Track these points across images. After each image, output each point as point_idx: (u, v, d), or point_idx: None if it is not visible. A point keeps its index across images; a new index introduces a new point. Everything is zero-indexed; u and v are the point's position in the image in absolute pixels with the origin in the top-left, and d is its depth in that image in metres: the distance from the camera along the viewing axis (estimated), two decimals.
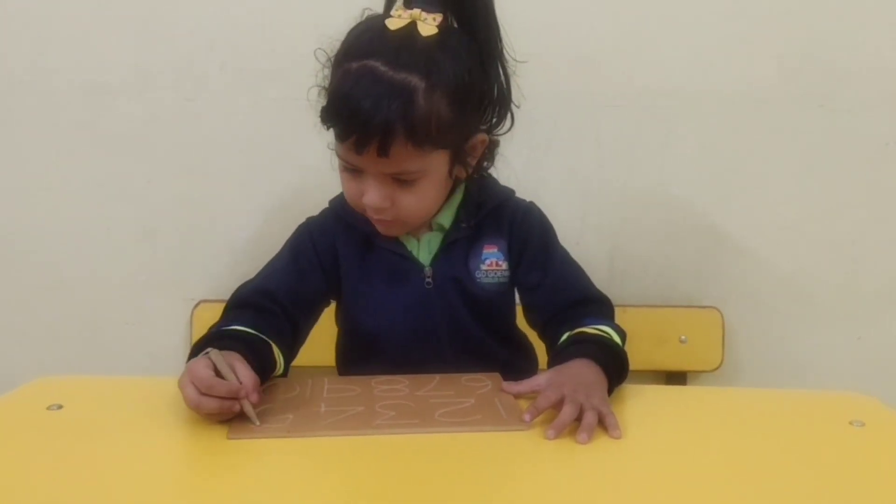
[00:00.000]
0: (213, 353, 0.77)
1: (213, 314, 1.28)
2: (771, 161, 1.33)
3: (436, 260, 0.97)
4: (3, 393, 0.83)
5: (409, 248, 0.97)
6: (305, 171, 1.30)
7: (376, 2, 0.93)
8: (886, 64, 1.29)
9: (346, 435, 0.74)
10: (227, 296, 1.30)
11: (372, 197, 0.86)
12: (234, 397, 0.74)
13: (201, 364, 0.76)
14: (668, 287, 1.37)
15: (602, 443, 0.74)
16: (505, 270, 0.98)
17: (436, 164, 0.87)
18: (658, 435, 0.77)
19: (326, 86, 0.88)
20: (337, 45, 0.88)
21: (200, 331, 1.28)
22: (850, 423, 0.78)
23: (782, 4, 1.28)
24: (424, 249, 0.97)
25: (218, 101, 1.28)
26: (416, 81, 0.81)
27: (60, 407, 0.79)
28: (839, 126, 1.31)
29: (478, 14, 0.88)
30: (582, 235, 1.33)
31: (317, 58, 0.91)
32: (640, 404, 0.84)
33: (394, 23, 0.84)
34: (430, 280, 0.96)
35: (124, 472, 0.67)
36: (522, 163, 1.26)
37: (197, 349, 0.82)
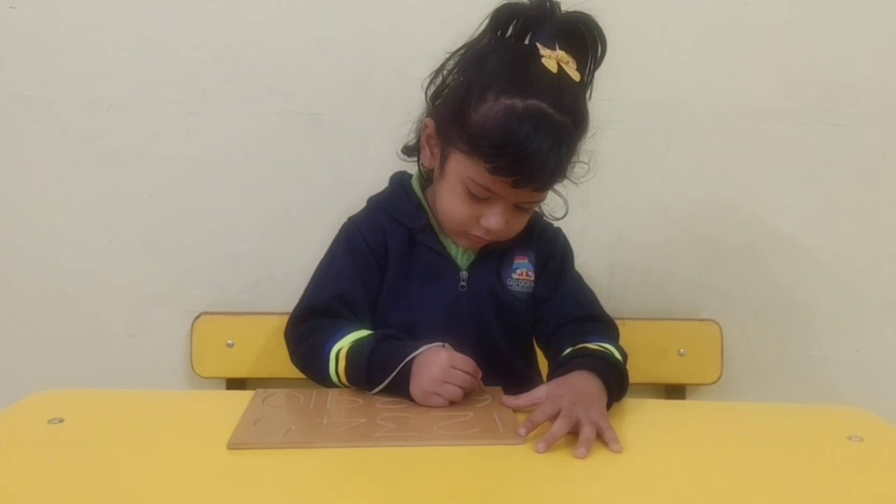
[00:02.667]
0: (447, 345, 0.88)
1: (214, 327, 1.31)
2: (770, 175, 1.33)
3: (472, 266, 1.00)
4: (5, 406, 0.84)
5: (449, 250, 1.00)
6: (308, 184, 1.31)
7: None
8: (885, 78, 1.30)
9: (346, 447, 0.74)
10: (227, 308, 1.33)
11: (497, 222, 0.91)
12: (477, 376, 0.86)
13: (457, 354, 0.87)
14: (667, 300, 1.37)
15: (600, 457, 0.74)
16: (532, 281, 1.03)
17: None
18: (657, 449, 0.78)
19: (455, 112, 0.89)
20: (453, 56, 0.93)
21: (201, 343, 1.30)
22: (849, 437, 0.79)
23: (781, 19, 1.29)
24: (463, 254, 1.01)
25: (221, 114, 1.29)
26: (571, 126, 0.86)
27: (61, 421, 0.79)
28: (837, 140, 1.32)
29: (596, 66, 0.94)
30: (581, 248, 1.32)
31: (423, 88, 0.96)
32: (639, 418, 0.85)
33: (551, 64, 0.87)
34: (464, 284, 0.99)
35: (125, 485, 0.67)
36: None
37: (366, 372, 0.88)
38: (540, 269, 1.03)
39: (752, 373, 1.38)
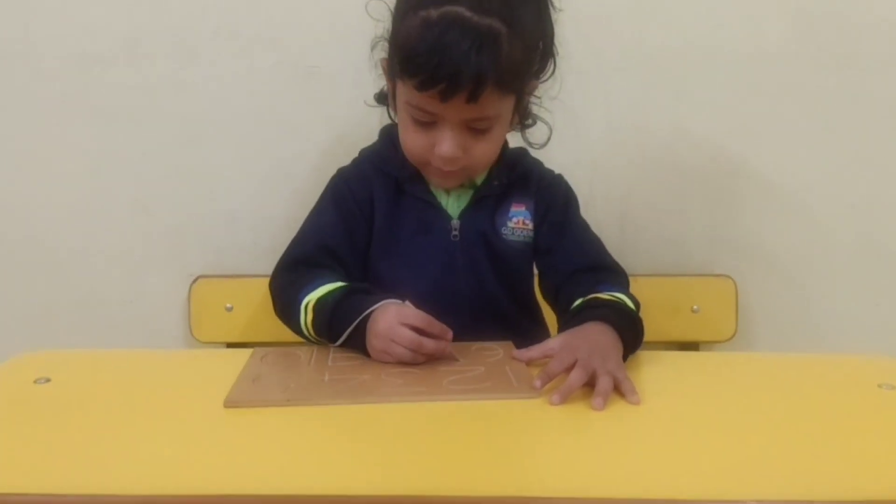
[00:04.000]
0: (408, 302, 0.82)
1: (212, 289, 1.27)
2: (785, 122, 1.28)
3: (464, 213, 0.97)
4: None
5: (439, 198, 0.97)
6: (305, 140, 1.26)
7: None
8: None
9: (350, 403, 0.71)
10: (227, 270, 1.29)
11: (449, 146, 0.86)
12: (445, 338, 0.80)
13: (407, 307, 0.81)
14: (680, 255, 1.33)
15: (617, 409, 0.70)
16: (530, 230, 0.99)
17: (506, 109, 0.89)
18: (677, 401, 0.74)
19: (389, 36, 0.88)
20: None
21: (199, 307, 1.27)
22: (879, 385, 0.75)
23: None
24: (454, 203, 0.97)
25: (212, 68, 1.23)
26: (499, 26, 0.81)
27: (48, 380, 0.75)
28: (856, 85, 1.26)
29: None
30: (591, 203, 1.28)
31: (369, 13, 0.91)
32: (657, 370, 0.81)
33: None
34: (456, 233, 0.96)
35: (115, 444, 0.63)
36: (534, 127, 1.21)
37: (329, 326, 0.84)
38: (541, 218, 0.99)
39: (767, 329, 1.34)
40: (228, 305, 1.25)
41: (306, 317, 0.88)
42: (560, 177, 1.05)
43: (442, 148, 0.87)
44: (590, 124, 1.27)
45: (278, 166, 1.27)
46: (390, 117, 1.00)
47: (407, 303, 0.83)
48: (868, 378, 0.77)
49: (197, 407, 0.70)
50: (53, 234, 1.28)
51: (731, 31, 1.24)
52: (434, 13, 0.81)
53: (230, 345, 1.26)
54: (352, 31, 1.23)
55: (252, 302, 1.24)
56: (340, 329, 0.84)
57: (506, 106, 0.88)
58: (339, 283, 0.89)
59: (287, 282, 0.92)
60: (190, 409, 0.70)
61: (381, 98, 0.99)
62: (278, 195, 1.27)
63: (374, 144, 1.02)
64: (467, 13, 0.80)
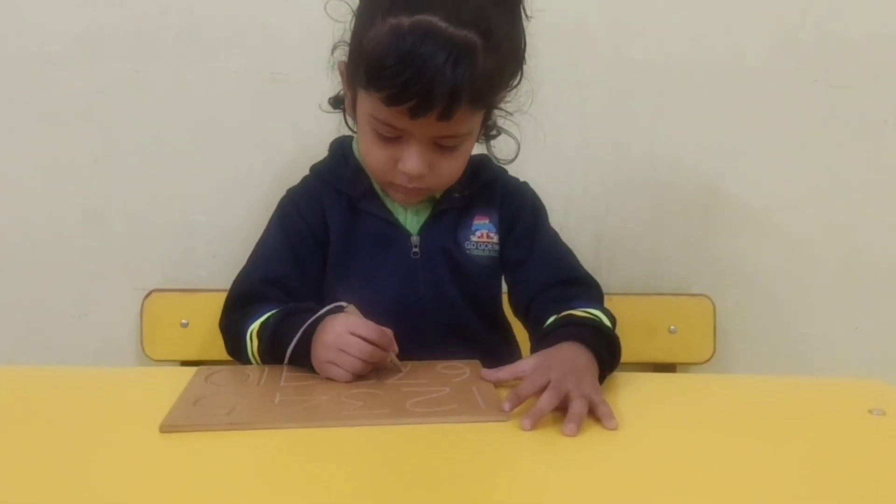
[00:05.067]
0: (352, 308, 0.77)
1: (165, 304, 1.20)
2: (764, 139, 1.25)
3: (424, 229, 0.91)
4: None
5: (397, 215, 0.91)
6: (268, 149, 1.20)
7: None
8: (886, 37, 1.23)
9: (302, 427, 0.65)
10: (181, 284, 1.22)
11: (413, 164, 0.81)
12: (390, 348, 0.76)
13: (354, 317, 0.76)
14: (656, 274, 1.29)
15: (591, 435, 0.65)
16: (496, 244, 0.93)
17: (476, 125, 0.84)
18: (657, 427, 0.69)
19: (351, 41, 0.82)
20: None
21: (152, 322, 1.20)
22: (870, 411, 0.71)
23: None
24: (412, 218, 0.91)
25: (172, 72, 1.18)
26: (476, 40, 0.75)
27: None
28: (835, 102, 1.24)
29: None
30: (565, 220, 1.24)
31: (328, 14, 0.85)
32: (633, 393, 0.76)
33: None
34: (416, 250, 0.90)
35: (42, 469, 0.57)
36: (501, 140, 1.17)
37: (272, 347, 0.80)
38: (507, 231, 0.93)
39: (746, 350, 1.30)
40: (184, 321, 1.19)
41: (252, 346, 0.82)
42: (525, 185, 0.99)
43: (407, 165, 0.81)
44: (565, 139, 1.24)
45: (240, 176, 1.21)
46: (347, 125, 0.93)
47: (351, 307, 0.78)
48: (858, 403, 0.72)
49: (133, 430, 0.63)
50: None
51: (711, 45, 1.22)
52: (405, 21, 0.74)
53: (185, 363, 1.19)
54: (319, 38, 1.17)
55: (209, 318, 1.16)
56: (284, 345, 0.78)
57: (477, 121, 0.84)
58: (286, 307, 0.84)
59: (233, 320, 0.87)
60: (125, 433, 0.63)
61: (337, 103, 0.93)
62: (239, 206, 1.21)
63: (325, 160, 0.96)
64: (442, 24, 0.74)
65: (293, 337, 0.77)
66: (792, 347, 1.31)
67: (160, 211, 1.21)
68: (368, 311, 0.89)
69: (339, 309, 0.79)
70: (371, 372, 0.76)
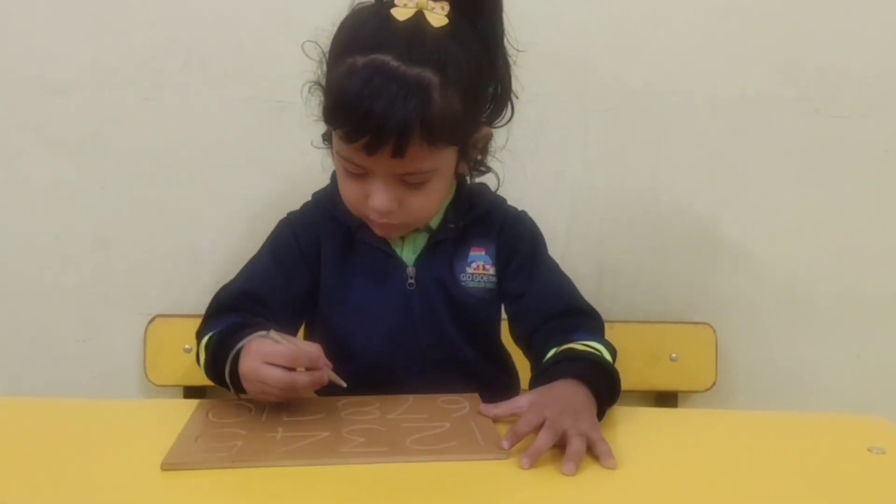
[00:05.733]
0: (273, 332, 0.73)
1: (169, 330, 1.21)
2: (766, 167, 1.26)
3: (420, 260, 0.91)
4: None
5: (394, 246, 0.91)
6: (274, 176, 1.21)
7: None
8: (887, 67, 1.23)
9: (304, 465, 0.65)
10: (185, 310, 1.23)
11: (380, 200, 0.81)
12: (318, 367, 0.72)
13: (267, 343, 0.73)
14: (658, 301, 1.29)
15: (590, 473, 0.65)
16: (492, 276, 0.93)
17: (445, 162, 0.83)
18: (656, 464, 0.69)
19: (322, 82, 0.83)
20: (329, 37, 0.82)
21: (156, 348, 1.21)
22: (869, 449, 0.71)
23: (778, 4, 1.21)
24: (409, 249, 0.91)
25: (179, 100, 1.19)
26: (430, 77, 0.75)
27: None
28: (836, 132, 1.25)
29: (484, 1, 0.82)
30: (568, 245, 1.25)
31: (305, 52, 0.85)
32: (632, 429, 0.76)
33: (400, 13, 0.77)
34: (412, 281, 0.90)
35: None
36: (505, 167, 1.18)
37: (215, 357, 0.79)
38: (505, 262, 0.93)
39: (747, 379, 1.30)
40: (187, 347, 1.19)
41: (202, 357, 0.83)
42: (523, 214, 0.98)
43: (374, 201, 0.81)
44: (568, 167, 1.24)
45: (245, 202, 1.22)
46: (334, 161, 0.93)
47: (271, 333, 0.74)
48: (857, 441, 0.72)
49: (134, 467, 0.64)
50: (5, 268, 1.22)
51: (713, 75, 1.23)
52: (360, 60, 0.75)
53: (188, 389, 1.20)
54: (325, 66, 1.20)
55: None
56: (219, 370, 0.78)
57: (444, 158, 0.82)
58: (234, 320, 0.83)
59: (200, 328, 0.87)
60: (127, 470, 0.64)
61: (329, 136, 0.93)
62: (244, 233, 1.22)
63: (327, 187, 0.96)
64: (394, 62, 0.74)
65: (225, 363, 0.77)
66: (793, 375, 1.31)
67: (166, 237, 1.22)
68: (364, 342, 0.90)
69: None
70: (318, 389, 0.75)
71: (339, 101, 0.76)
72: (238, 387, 0.77)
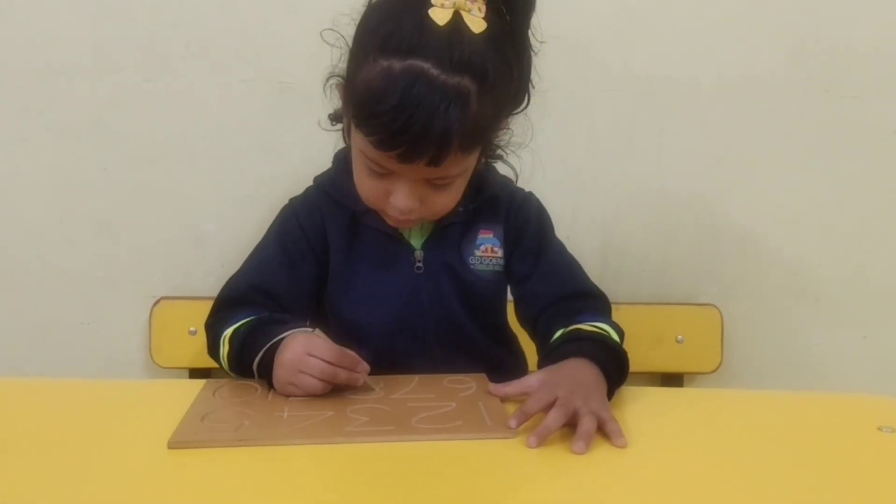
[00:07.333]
0: (318, 331, 0.77)
1: (174, 312, 1.21)
2: (773, 150, 1.25)
3: (427, 244, 0.90)
4: None
5: (401, 230, 0.90)
6: (277, 159, 1.21)
7: None
8: (894, 47, 1.22)
9: (310, 443, 0.65)
10: (190, 293, 1.23)
11: (403, 200, 0.79)
12: (358, 370, 0.75)
13: (315, 338, 0.76)
14: (664, 284, 1.29)
15: (600, 453, 0.65)
16: (500, 258, 0.92)
17: (472, 162, 0.82)
18: (665, 444, 0.69)
19: (346, 75, 0.79)
20: (353, 24, 0.79)
21: (161, 330, 1.20)
22: (879, 428, 0.70)
23: None
24: (416, 232, 0.91)
25: (182, 83, 1.19)
26: (469, 85, 0.73)
27: None
28: (845, 113, 1.24)
29: (525, 6, 0.79)
30: (573, 229, 1.25)
31: (324, 39, 0.82)
32: (641, 408, 0.76)
33: (439, 15, 0.73)
34: (420, 265, 0.90)
35: (50, 485, 0.57)
36: (510, 151, 1.17)
37: (240, 355, 0.80)
38: (512, 245, 0.92)
39: (753, 361, 1.30)
40: (192, 329, 1.19)
41: (223, 350, 0.83)
42: (530, 195, 0.97)
43: (397, 201, 0.79)
44: (573, 149, 1.24)
45: (249, 185, 1.22)
46: (345, 140, 0.91)
47: (317, 331, 0.78)
48: (867, 420, 0.72)
49: (141, 446, 0.64)
50: (9, 251, 1.22)
51: (719, 57, 1.22)
52: (397, 65, 0.72)
53: (192, 370, 1.20)
54: (328, 48, 1.18)
55: None
56: (250, 357, 0.78)
57: (471, 160, 0.81)
58: (260, 316, 0.84)
59: (214, 321, 0.87)
60: (133, 449, 0.64)
61: (337, 118, 0.91)
62: (248, 215, 1.22)
63: (329, 171, 0.95)
64: (434, 70, 0.71)
65: (258, 351, 0.77)
66: (799, 357, 1.31)
67: (169, 220, 1.22)
68: (372, 327, 0.89)
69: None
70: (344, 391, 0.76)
71: (375, 107, 0.72)
72: (264, 376, 0.78)
